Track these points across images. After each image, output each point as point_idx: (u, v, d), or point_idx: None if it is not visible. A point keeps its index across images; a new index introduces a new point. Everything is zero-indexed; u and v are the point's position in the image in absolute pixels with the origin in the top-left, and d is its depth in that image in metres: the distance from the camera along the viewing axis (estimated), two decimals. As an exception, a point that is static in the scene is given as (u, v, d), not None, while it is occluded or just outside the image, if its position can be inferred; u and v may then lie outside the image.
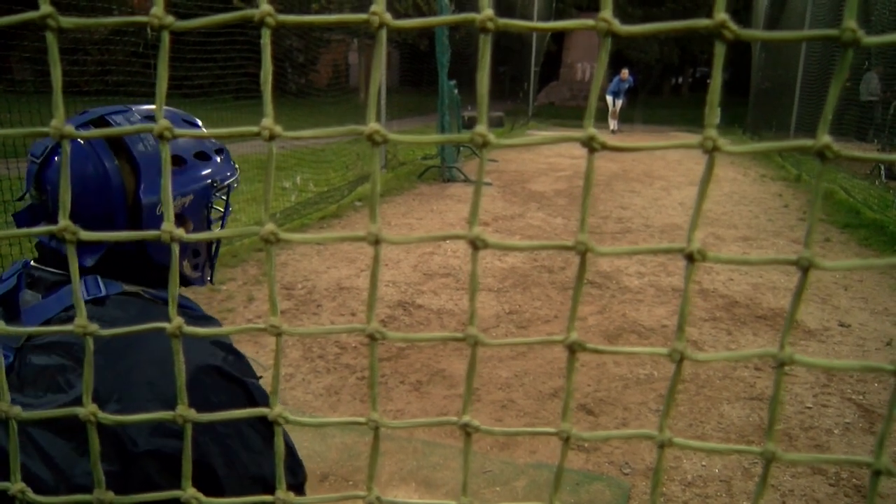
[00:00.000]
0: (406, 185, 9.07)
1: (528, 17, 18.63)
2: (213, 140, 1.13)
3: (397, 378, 3.59)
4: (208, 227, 1.11)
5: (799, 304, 0.40)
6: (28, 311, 0.94)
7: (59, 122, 0.40)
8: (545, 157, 12.42)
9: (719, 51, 0.37)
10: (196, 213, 1.06)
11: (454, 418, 0.43)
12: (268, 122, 0.40)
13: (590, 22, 0.37)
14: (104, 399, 0.86)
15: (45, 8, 0.38)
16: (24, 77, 8.24)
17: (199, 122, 1.12)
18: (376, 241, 0.41)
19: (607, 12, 0.36)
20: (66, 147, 0.41)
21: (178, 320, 0.43)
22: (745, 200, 8.40)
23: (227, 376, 0.95)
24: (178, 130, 0.41)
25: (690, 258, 0.39)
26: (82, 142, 0.97)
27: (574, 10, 27.09)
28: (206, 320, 1.04)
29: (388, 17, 0.37)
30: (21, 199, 1.01)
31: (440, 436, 3.04)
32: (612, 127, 16.95)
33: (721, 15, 0.36)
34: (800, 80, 11.78)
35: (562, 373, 3.67)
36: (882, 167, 8.80)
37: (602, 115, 19.51)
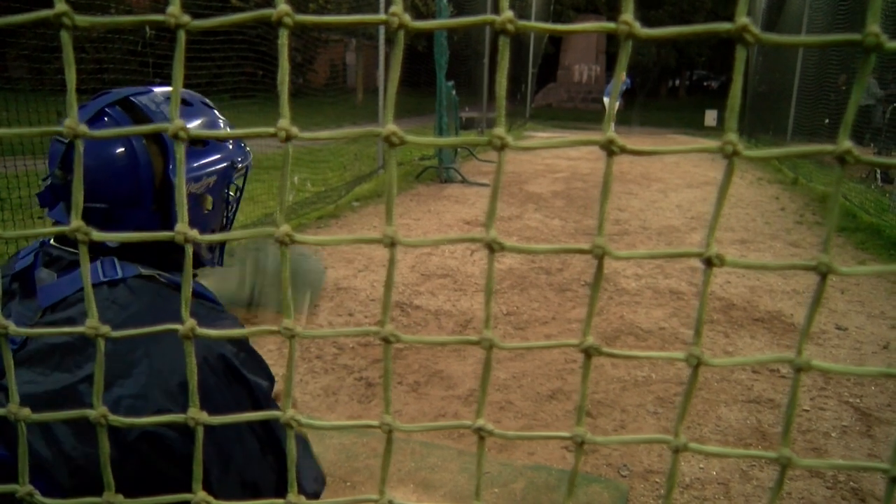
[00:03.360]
0: (403, 185, 9.06)
1: (527, 19, 18.60)
2: (228, 122, 1.16)
3: (395, 379, 3.59)
4: (226, 207, 1.15)
5: (817, 310, 0.39)
6: (43, 290, 0.94)
7: (73, 122, 0.40)
8: (542, 158, 12.43)
9: (740, 55, 0.37)
10: (217, 192, 1.09)
11: (468, 422, 0.43)
12: (284, 123, 0.39)
13: (611, 25, 0.37)
14: (108, 383, 0.86)
15: (60, 6, 0.38)
16: (20, 75, 8.22)
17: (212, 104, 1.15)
18: (392, 244, 0.41)
19: (628, 15, 0.36)
20: (80, 147, 0.40)
21: (191, 322, 0.43)
22: (741, 203, 8.41)
23: (234, 372, 0.95)
24: (192, 131, 0.40)
25: (709, 263, 0.39)
26: (108, 121, 0.98)
27: (571, 12, 27.13)
28: (221, 312, 1.04)
29: (407, 18, 0.37)
30: (46, 179, 1.01)
31: (438, 437, 3.04)
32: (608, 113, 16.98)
33: (743, 19, 0.35)
34: (797, 83, 11.81)
35: (560, 374, 3.66)
36: (878, 171, 8.83)
37: (600, 117, 19.56)
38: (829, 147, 0.36)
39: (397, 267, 5.59)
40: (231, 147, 1.12)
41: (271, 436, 0.98)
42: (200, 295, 1.04)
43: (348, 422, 0.44)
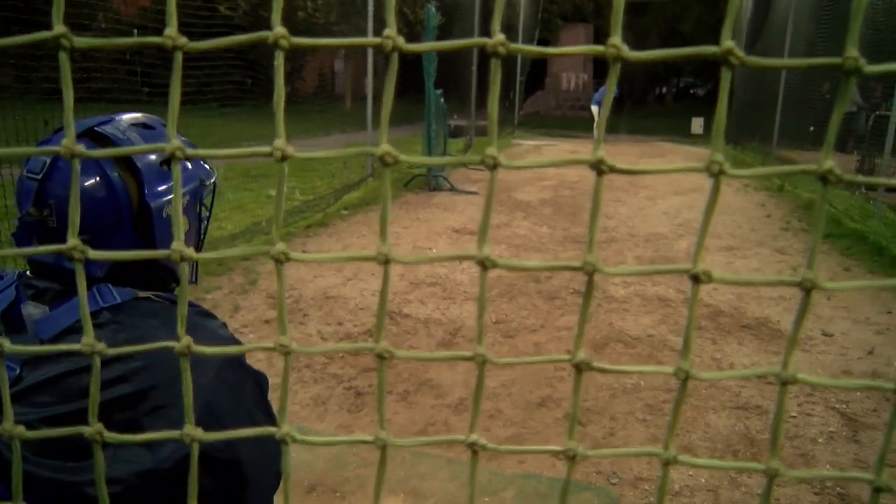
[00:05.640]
0: (392, 193, 9.07)
1: (514, 27, 18.79)
2: (191, 143, 1.16)
3: (385, 387, 3.58)
4: (199, 224, 1.17)
5: (801, 326, 0.40)
6: (40, 324, 0.93)
7: (71, 142, 0.40)
8: (531, 165, 12.40)
9: (725, 76, 0.38)
10: (192, 211, 1.11)
11: (461, 437, 0.44)
12: (280, 143, 0.40)
13: (599, 48, 0.38)
14: (139, 397, 0.88)
15: (59, 28, 0.38)
16: (6, 83, 8.16)
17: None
18: (386, 261, 0.41)
19: (616, 38, 0.37)
20: (77, 166, 0.41)
21: (186, 339, 0.43)
22: (728, 210, 8.48)
23: (245, 367, 1.02)
24: (188, 151, 0.41)
25: (696, 279, 0.40)
26: None
27: (559, 20, 27.30)
28: (207, 316, 1.07)
29: (401, 41, 0.38)
30: (20, 218, 1.00)
31: (430, 446, 3.03)
32: (596, 136, 17.08)
33: (728, 42, 0.36)
34: (782, 90, 11.93)
35: (549, 382, 3.67)
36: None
37: (588, 125, 19.67)
38: (811, 167, 0.37)
39: (387, 275, 5.60)
40: (194, 167, 1.13)
41: (272, 415, 1.04)
42: (191, 304, 1.06)
43: (342, 437, 0.44)
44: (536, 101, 27.46)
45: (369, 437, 0.44)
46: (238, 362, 1.00)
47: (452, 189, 9.44)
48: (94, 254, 0.42)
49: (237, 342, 1.05)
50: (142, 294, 1.00)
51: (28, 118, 4.63)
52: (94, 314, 0.93)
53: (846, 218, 7.60)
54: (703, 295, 5.14)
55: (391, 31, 0.38)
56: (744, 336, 4.42)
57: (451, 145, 10.76)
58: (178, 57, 0.39)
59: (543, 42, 24.20)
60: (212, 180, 1.18)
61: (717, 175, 0.39)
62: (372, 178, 9.38)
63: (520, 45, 0.38)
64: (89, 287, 0.96)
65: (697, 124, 19.91)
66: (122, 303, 0.96)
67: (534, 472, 2.86)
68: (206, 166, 1.18)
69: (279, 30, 0.38)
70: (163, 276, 1.07)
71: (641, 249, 6.60)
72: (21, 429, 0.46)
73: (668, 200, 9.25)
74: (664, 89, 35.58)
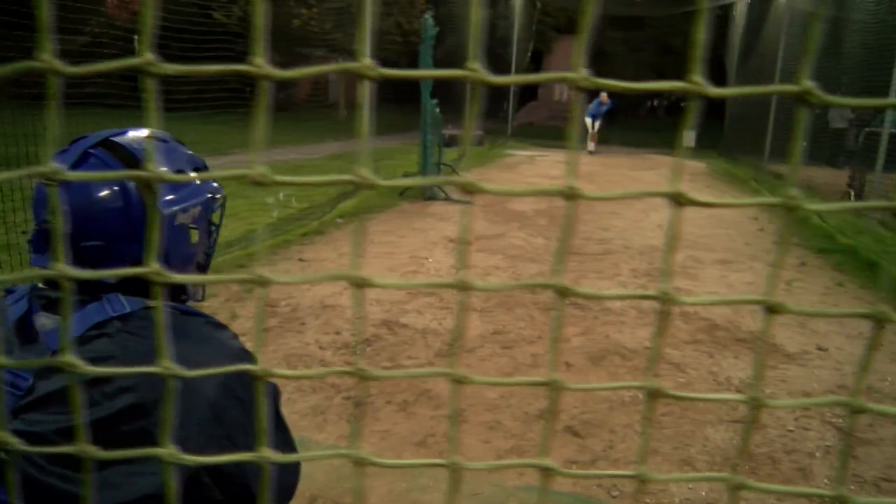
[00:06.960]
0: (388, 202, 9.08)
1: (509, 39, 18.93)
2: (197, 156, 1.19)
3: (384, 398, 3.57)
4: (209, 237, 1.19)
5: (766, 347, 0.41)
6: (50, 334, 0.95)
7: (55, 166, 0.41)
8: (525, 177, 12.58)
9: (691, 108, 0.39)
10: (202, 223, 1.13)
11: (443, 460, 0.44)
12: (261, 169, 0.41)
13: (567, 74, 0.39)
14: (151, 408, 0.88)
15: (46, 58, 0.39)
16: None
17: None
18: (360, 285, 0.42)
19: (581, 70, 0.38)
20: (54, 192, 0.42)
21: (174, 368, 0.44)
22: (722, 224, 8.51)
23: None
24: (167, 173, 0.42)
25: (664, 302, 0.41)
26: (94, 161, 1.00)
27: (553, 32, 27.46)
28: (219, 327, 1.07)
29: (376, 70, 0.39)
30: (38, 224, 1.01)
31: (429, 456, 3.03)
32: (590, 148, 17.19)
33: (696, 77, 0.38)
34: (774, 104, 12.01)
35: (548, 394, 3.68)
36: (852, 193, 8.98)
37: (581, 136, 19.76)
38: (777, 199, 0.38)
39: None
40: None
41: (286, 433, 1.07)
42: (199, 314, 1.07)
43: (320, 451, 0.45)
44: (530, 112, 27.59)
45: (349, 452, 0.45)
46: (246, 374, 1.00)
47: (447, 198, 9.46)
48: (78, 273, 0.43)
49: (248, 353, 1.05)
50: (151, 304, 1.00)
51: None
52: (103, 323, 0.94)
53: (838, 233, 7.65)
54: (699, 308, 5.15)
55: (367, 60, 0.39)
56: (740, 350, 4.42)
57: (445, 155, 10.78)
58: (150, 84, 0.40)
59: (538, 54, 24.34)
60: (222, 194, 1.20)
61: (680, 205, 0.40)
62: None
63: (499, 78, 0.39)
64: (101, 294, 0.97)
65: (689, 138, 20.03)
66: (131, 312, 0.96)
67: (535, 485, 2.85)
68: (213, 182, 1.19)
69: (258, 61, 0.39)
70: (174, 287, 1.08)
71: (636, 262, 6.62)
72: (15, 440, 0.47)
73: (662, 214, 9.27)
74: (656, 102, 35.76)
